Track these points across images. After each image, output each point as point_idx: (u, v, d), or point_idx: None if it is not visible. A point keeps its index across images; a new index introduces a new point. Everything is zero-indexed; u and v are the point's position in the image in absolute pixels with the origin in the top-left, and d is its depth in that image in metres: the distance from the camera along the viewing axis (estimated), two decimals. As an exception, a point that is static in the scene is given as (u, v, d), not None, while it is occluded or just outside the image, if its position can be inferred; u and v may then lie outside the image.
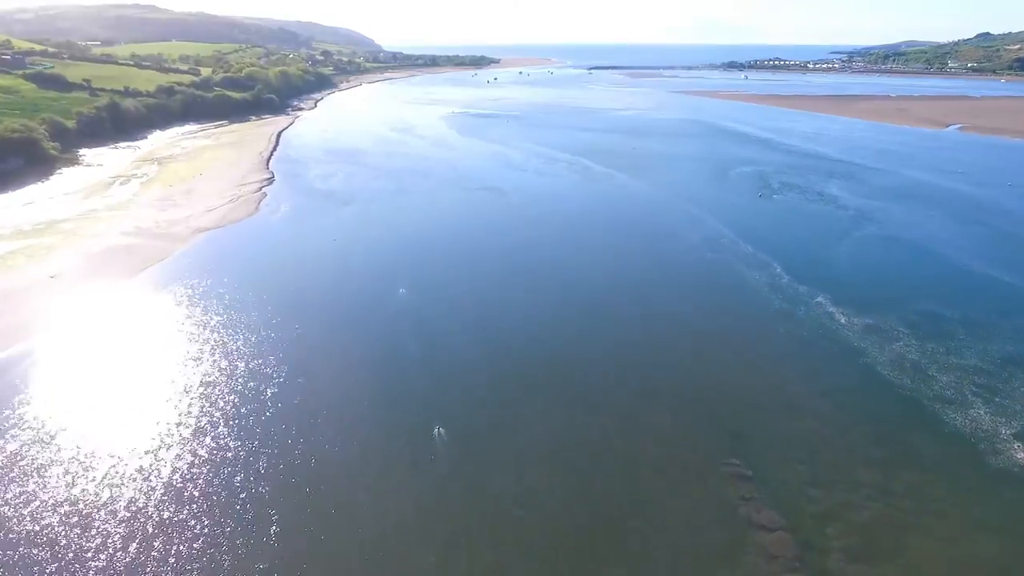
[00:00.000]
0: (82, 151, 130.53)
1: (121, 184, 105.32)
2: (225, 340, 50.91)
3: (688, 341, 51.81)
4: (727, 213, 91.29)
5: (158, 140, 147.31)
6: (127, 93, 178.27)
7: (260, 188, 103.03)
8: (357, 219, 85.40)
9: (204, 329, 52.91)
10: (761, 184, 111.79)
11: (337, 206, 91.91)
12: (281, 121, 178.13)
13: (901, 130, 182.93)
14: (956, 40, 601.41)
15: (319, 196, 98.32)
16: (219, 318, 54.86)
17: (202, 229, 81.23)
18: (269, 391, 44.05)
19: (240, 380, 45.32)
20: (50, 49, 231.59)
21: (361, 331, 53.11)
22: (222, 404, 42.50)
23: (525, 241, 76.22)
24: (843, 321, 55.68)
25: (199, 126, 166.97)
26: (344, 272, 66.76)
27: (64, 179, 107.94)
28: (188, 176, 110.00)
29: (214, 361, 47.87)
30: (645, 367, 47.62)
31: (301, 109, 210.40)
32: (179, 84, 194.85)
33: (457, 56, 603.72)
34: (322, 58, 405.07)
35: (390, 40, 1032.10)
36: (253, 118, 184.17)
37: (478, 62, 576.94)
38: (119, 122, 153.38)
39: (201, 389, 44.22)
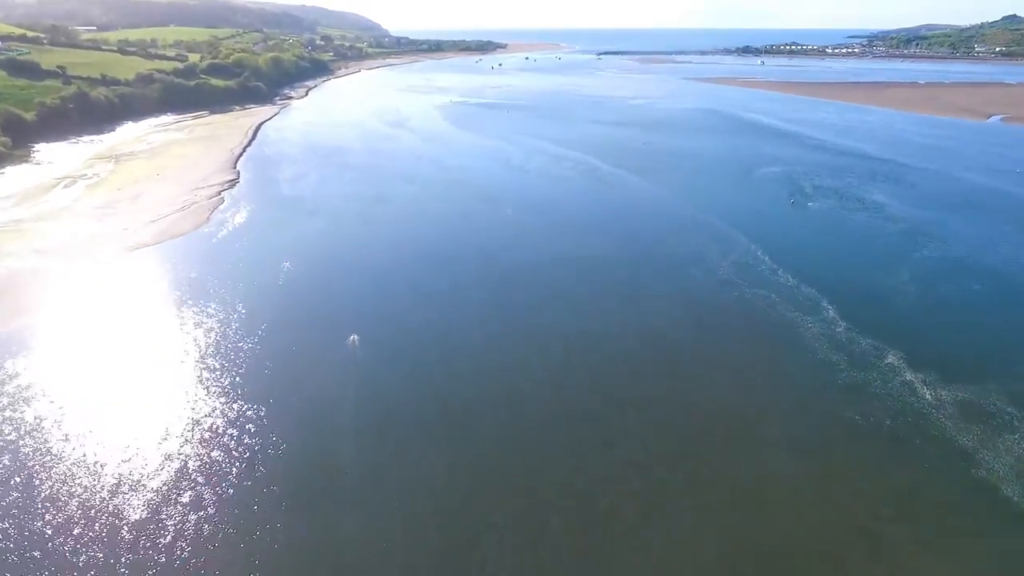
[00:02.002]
0: (38, 146, 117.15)
1: (64, 187, 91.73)
2: (87, 430, 37.26)
3: (736, 445, 36.88)
4: (757, 227, 76.28)
5: (127, 134, 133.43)
6: (102, 81, 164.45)
7: (219, 193, 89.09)
8: (320, 236, 71.18)
9: (68, 412, 39.26)
10: (792, 188, 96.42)
11: (301, 218, 77.76)
12: (264, 112, 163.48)
13: (939, 121, 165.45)
14: (980, 23, 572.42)
15: (283, 204, 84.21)
16: (99, 391, 41.24)
17: (135, 247, 67.52)
18: (132, 518, 30.41)
19: (86, 506, 31.75)
20: (29, 33, 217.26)
21: (282, 412, 39.01)
22: (54, 554, 28.94)
23: (519, 272, 61.28)
24: (930, 398, 41.11)
25: (175, 117, 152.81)
26: (285, 311, 52.61)
27: (5, 180, 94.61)
28: (143, 177, 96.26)
29: (58, 461, 34.31)
30: (679, 504, 33.24)
31: (291, 98, 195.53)
32: (160, 71, 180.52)
33: (463, 41, 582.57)
34: (322, 43, 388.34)
35: (398, 24, 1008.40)
36: (236, 108, 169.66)
37: (484, 47, 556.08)
38: (87, 114, 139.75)
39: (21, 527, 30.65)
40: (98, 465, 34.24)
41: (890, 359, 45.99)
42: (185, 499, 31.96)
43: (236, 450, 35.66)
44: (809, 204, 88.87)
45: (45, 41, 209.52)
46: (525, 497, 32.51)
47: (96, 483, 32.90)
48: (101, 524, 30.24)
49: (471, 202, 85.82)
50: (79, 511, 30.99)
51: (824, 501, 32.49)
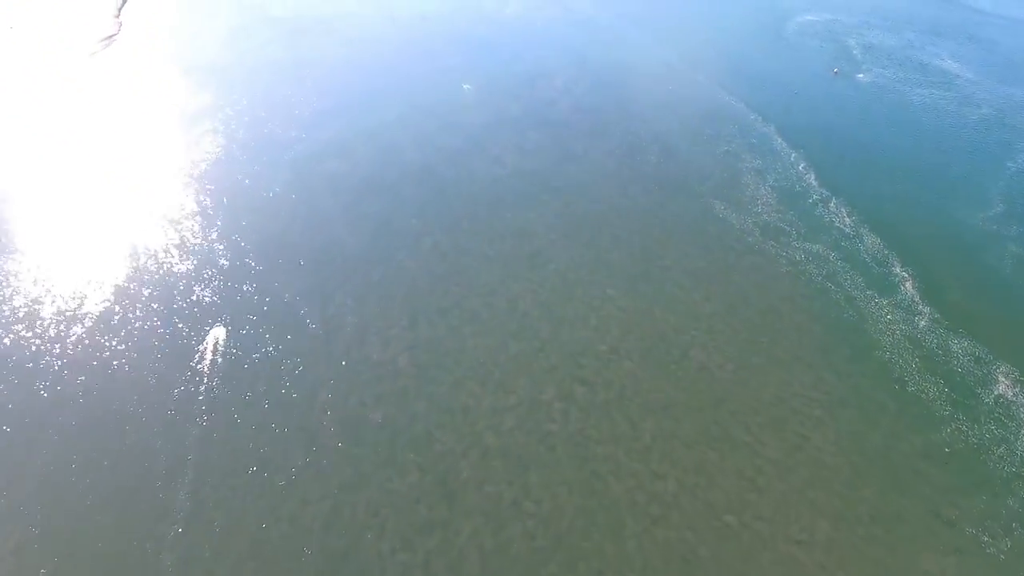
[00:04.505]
0: None
1: None
2: None
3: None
4: (796, 118, 54.91)
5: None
6: None
7: (92, 56, 63.55)
8: (207, 146, 48.81)
9: None
10: (836, 50, 71.62)
11: (191, 105, 54.06)
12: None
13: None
14: None
15: (175, 77, 59.33)
16: None
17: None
18: None
19: None
20: None
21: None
22: None
23: (470, 214, 41.03)
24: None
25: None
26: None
27: None
28: (-10, 32, 68.89)
29: None
30: None
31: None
32: None
33: None
34: None
35: None
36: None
37: None
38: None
39: None
40: None
41: (1002, 386, 30.14)
42: None
43: None
44: (859, 76, 65.60)
45: None
46: None
47: None
48: None
49: (418, 72, 61.05)
50: None
51: None
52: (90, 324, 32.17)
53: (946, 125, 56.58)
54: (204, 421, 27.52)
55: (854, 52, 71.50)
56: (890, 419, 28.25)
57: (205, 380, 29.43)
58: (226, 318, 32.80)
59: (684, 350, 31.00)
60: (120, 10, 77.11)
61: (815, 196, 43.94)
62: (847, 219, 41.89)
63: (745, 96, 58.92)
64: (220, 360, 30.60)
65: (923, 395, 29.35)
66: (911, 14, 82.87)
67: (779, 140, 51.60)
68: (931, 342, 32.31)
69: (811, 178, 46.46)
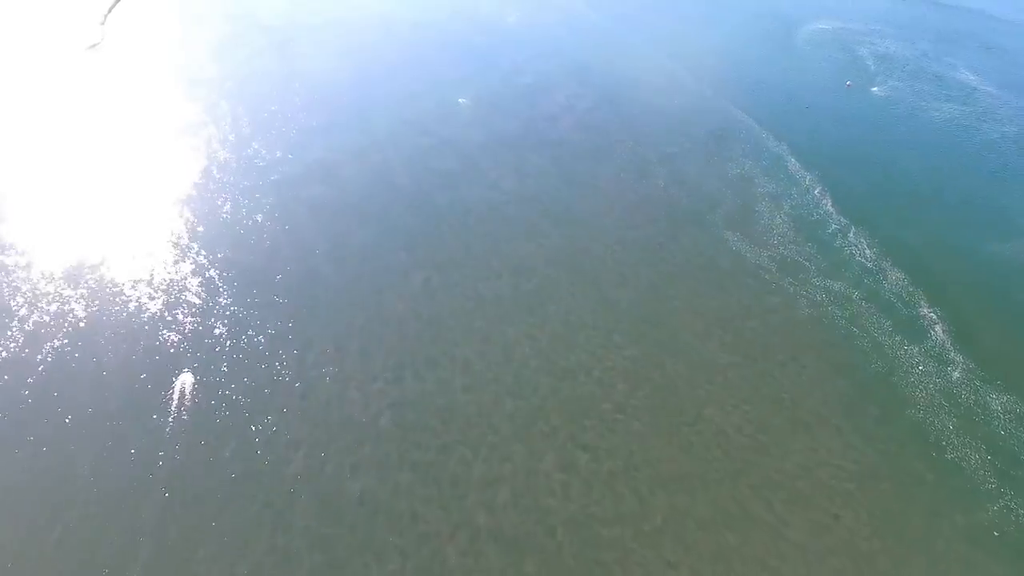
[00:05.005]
0: None
1: None
2: None
3: None
4: (809, 136, 51.64)
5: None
6: None
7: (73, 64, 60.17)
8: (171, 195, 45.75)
9: None
10: (848, 60, 68.22)
11: (168, 130, 50.91)
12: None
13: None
14: None
15: (156, 92, 56.13)
16: None
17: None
18: None
19: None
20: None
21: None
22: None
23: (457, 257, 38.15)
24: None
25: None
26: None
27: None
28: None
29: None
30: None
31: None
32: None
33: None
34: None
35: None
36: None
37: None
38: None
39: None
40: None
41: (1052, 451, 26.94)
42: None
43: None
44: (873, 89, 62.24)
45: None
46: None
47: None
48: None
49: (411, 84, 57.66)
50: None
51: None
52: (44, 371, 29.06)
53: (967, 143, 53.31)
54: (162, 494, 24.40)
55: (867, 63, 68.11)
56: (929, 493, 25.10)
57: (166, 443, 26.27)
58: (195, 365, 29.69)
59: (698, 409, 27.80)
60: (106, 17, 73.75)
61: (833, 225, 40.68)
62: (868, 251, 38.67)
63: (755, 112, 55.64)
64: (185, 417, 27.47)
65: (964, 463, 26.18)
66: (923, 21, 79.41)
67: (792, 161, 48.34)
68: (968, 398, 29.14)
69: (828, 204, 43.22)
